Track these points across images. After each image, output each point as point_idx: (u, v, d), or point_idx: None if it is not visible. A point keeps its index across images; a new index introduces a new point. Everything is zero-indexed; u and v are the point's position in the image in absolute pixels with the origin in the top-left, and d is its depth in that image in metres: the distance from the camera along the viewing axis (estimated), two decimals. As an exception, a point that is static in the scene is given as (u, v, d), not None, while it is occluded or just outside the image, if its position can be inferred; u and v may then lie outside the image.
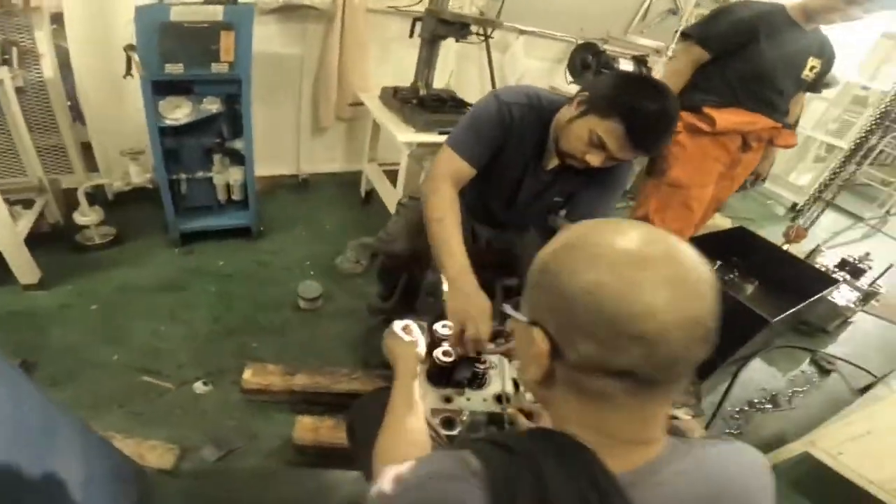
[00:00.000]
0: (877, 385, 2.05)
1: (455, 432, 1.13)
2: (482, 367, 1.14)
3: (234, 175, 2.06)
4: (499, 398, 1.13)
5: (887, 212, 3.79)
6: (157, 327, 1.66)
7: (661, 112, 0.98)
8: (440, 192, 1.12)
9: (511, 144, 1.19)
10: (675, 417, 1.60)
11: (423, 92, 2.09)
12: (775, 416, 1.86)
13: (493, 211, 1.38)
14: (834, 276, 2.23)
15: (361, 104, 2.46)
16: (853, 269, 2.43)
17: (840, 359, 2.18)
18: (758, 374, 2.01)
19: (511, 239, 1.49)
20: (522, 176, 1.26)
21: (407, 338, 0.97)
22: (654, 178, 1.67)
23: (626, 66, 2.43)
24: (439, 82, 2.47)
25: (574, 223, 1.20)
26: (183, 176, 2.00)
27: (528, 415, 1.02)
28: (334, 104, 2.53)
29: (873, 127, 3.15)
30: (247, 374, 1.44)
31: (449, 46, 2.42)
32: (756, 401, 1.89)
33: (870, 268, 2.45)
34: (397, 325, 1.02)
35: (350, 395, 1.45)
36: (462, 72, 2.75)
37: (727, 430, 1.74)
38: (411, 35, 2.21)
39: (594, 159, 1.06)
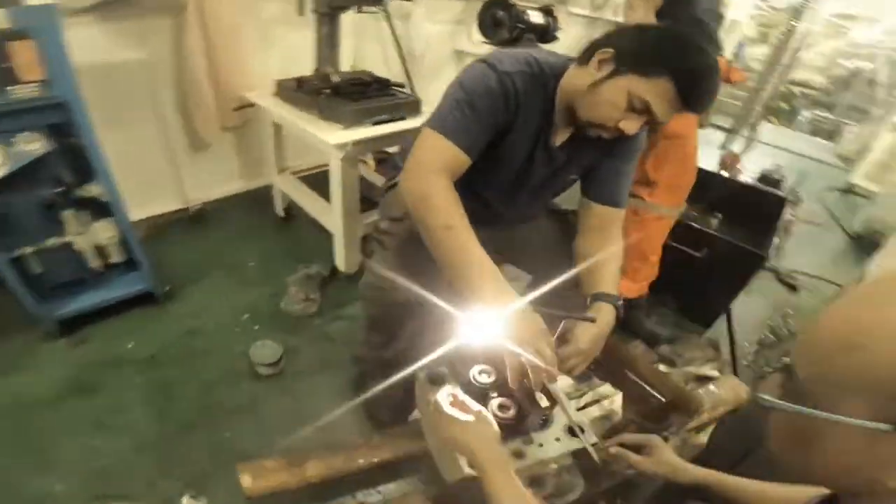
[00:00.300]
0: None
1: (549, 490, 0.93)
2: (548, 408, 0.96)
3: (103, 232, 1.51)
4: (571, 430, 0.96)
5: (753, 124, 4.27)
6: (86, 443, 1.24)
7: (711, 66, 0.84)
8: (439, 189, 0.86)
9: (517, 124, 0.95)
10: (707, 377, 1.54)
11: (336, 78, 1.72)
12: (784, 347, 1.91)
13: (493, 207, 1.14)
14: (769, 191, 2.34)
15: (251, 105, 1.99)
16: (772, 181, 2.63)
17: (801, 273, 2.35)
18: (739, 309, 1.99)
19: (512, 236, 1.27)
20: (531, 159, 1.03)
21: (466, 417, 0.77)
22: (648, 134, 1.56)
23: (537, 18, 2.26)
24: (342, 64, 2.09)
25: (595, 201, 0.98)
26: (28, 249, 1.41)
27: (637, 448, 0.91)
28: (214, 112, 2.02)
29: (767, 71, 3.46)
30: (246, 482, 1.05)
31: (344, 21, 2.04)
32: (763, 337, 1.93)
33: (783, 177, 2.67)
34: (444, 402, 0.80)
35: (378, 468, 1.15)
36: (360, 49, 2.38)
37: (760, 373, 1.75)
38: (301, 12, 1.81)
39: (631, 126, 0.87)
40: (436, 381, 1.01)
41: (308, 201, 1.96)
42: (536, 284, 1.29)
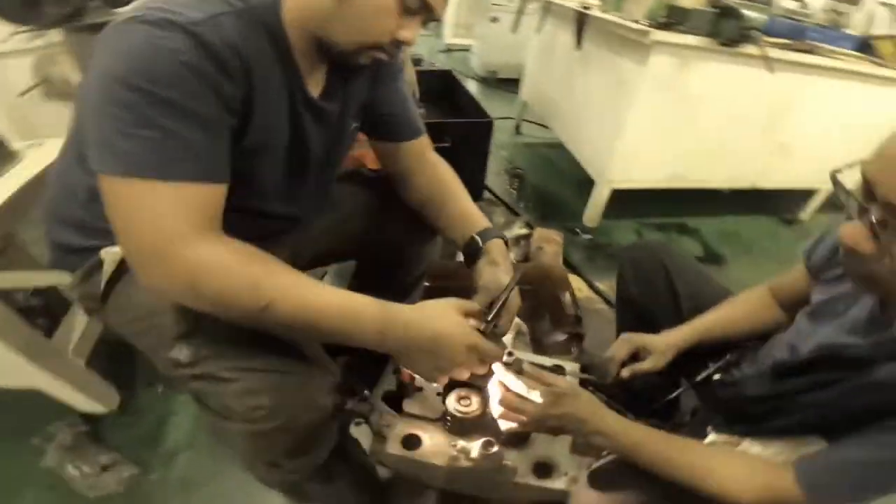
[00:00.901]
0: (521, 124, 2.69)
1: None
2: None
3: None
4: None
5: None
6: None
7: None
8: (207, 263, 0.53)
9: (257, 93, 0.60)
10: (523, 235, 1.65)
11: None
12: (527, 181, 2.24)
13: (278, 214, 0.78)
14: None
15: None
16: (416, 61, 2.86)
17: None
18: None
19: (317, 235, 0.94)
20: (298, 130, 0.70)
21: (535, 394, 0.72)
22: None
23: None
24: None
25: (401, 140, 0.88)
26: None
27: (635, 356, 0.89)
28: None
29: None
30: None
31: None
32: (510, 181, 2.18)
33: (420, 55, 2.95)
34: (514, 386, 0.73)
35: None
36: None
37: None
38: None
39: (412, 32, 0.64)
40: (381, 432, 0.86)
41: None
42: (365, 266, 1.10)
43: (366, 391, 0.93)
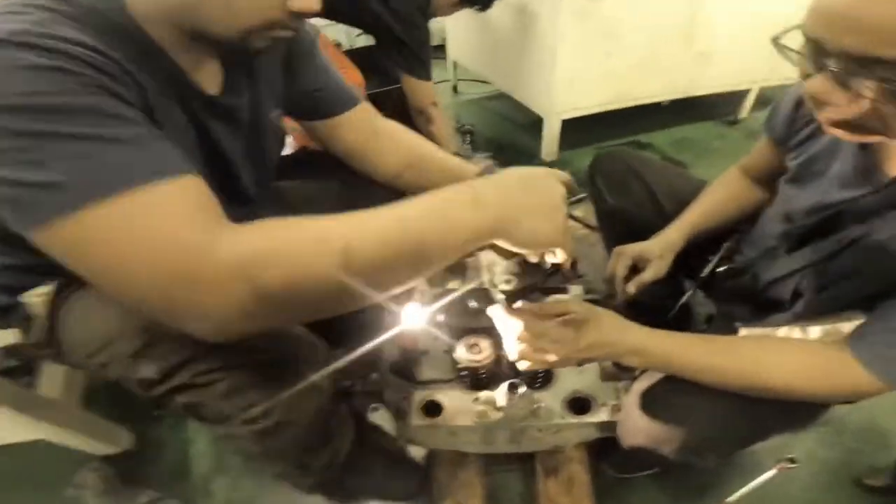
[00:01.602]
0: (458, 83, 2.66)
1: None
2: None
3: None
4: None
5: None
6: None
7: None
8: (256, 247, 0.40)
9: (156, 112, 0.49)
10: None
11: None
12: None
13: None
14: None
15: None
16: None
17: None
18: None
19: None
20: (204, 136, 0.60)
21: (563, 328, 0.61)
22: None
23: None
24: None
25: (342, 112, 0.80)
26: None
27: (634, 269, 0.82)
28: None
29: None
30: None
31: None
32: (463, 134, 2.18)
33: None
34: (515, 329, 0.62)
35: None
36: None
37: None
38: None
39: (312, 1, 0.52)
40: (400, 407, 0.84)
41: None
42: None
43: (372, 370, 0.90)
